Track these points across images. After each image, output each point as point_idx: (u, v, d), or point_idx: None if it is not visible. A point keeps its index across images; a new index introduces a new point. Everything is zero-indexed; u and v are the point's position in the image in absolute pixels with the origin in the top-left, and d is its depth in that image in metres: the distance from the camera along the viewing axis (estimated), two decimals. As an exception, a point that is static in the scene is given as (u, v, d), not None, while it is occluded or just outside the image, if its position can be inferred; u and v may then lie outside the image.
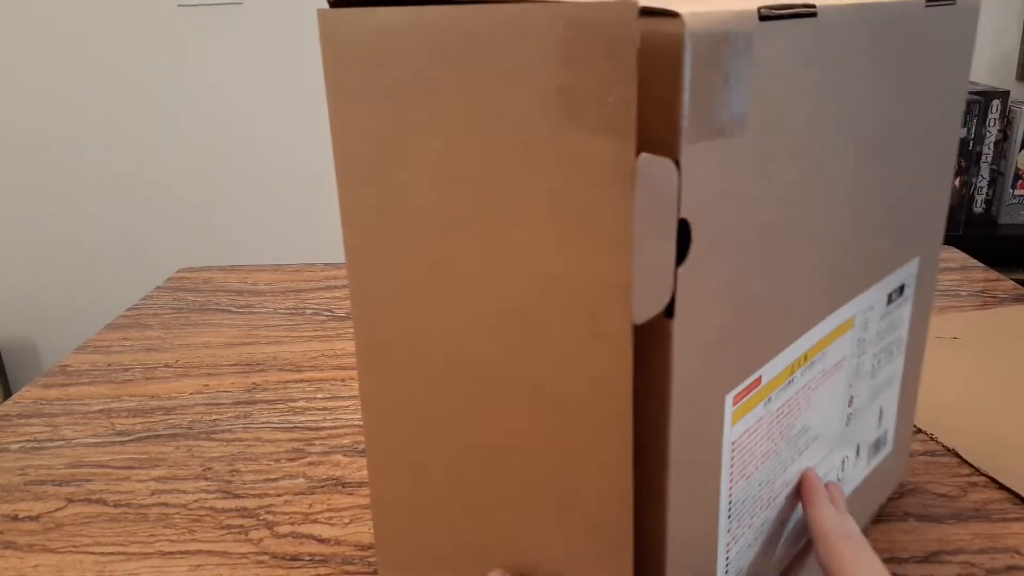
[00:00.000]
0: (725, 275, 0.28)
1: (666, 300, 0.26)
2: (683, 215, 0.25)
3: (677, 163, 0.24)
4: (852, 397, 0.41)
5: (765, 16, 0.26)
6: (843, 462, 0.42)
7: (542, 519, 0.31)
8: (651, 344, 0.27)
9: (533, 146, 0.26)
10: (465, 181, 0.28)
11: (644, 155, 0.23)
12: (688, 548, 0.30)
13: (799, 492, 0.38)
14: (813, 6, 0.28)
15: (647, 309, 0.25)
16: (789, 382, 0.34)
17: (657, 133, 0.24)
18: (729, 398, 0.30)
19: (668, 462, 0.28)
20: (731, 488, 0.32)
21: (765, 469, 0.34)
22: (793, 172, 0.30)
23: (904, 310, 0.44)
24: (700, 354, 0.28)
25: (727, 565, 0.34)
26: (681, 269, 0.26)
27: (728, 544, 0.33)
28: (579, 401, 0.28)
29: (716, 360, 0.29)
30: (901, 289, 0.43)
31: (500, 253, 0.28)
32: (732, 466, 0.32)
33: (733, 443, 0.31)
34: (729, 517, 0.33)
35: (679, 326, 0.26)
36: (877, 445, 0.46)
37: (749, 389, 0.32)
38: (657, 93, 0.24)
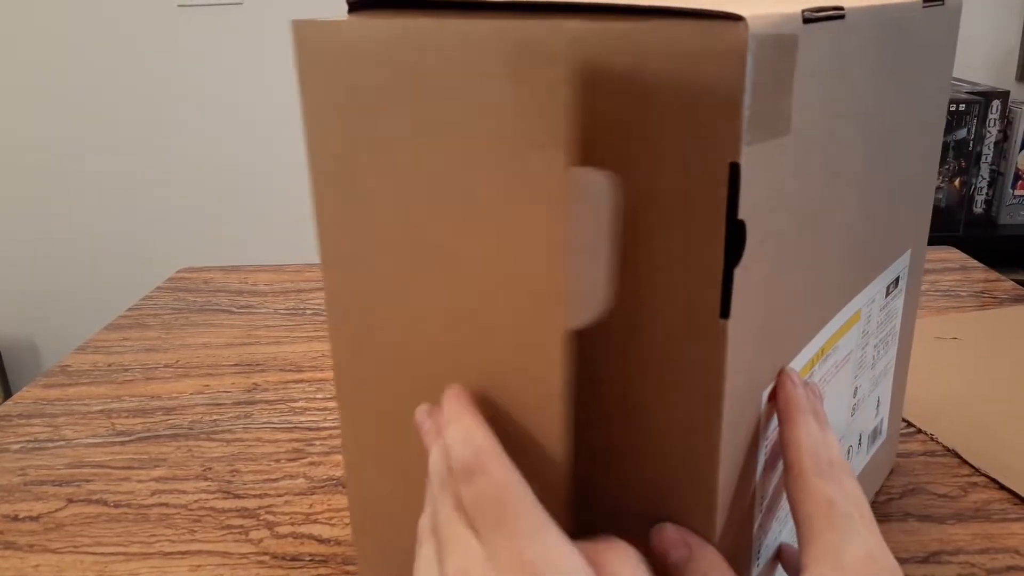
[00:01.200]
0: (766, 273, 0.29)
1: (601, 308, 0.27)
2: (740, 216, 0.25)
3: (737, 165, 0.25)
4: (856, 388, 0.42)
5: (808, 19, 0.27)
6: (848, 452, 0.43)
7: None
8: (703, 345, 0.27)
9: (478, 158, 0.27)
10: (418, 191, 0.29)
11: (578, 168, 0.24)
12: (730, 545, 0.31)
13: (774, 399, 0.32)
14: (842, 8, 0.29)
15: (582, 316, 0.26)
16: (809, 377, 0.35)
17: (717, 135, 0.25)
18: (764, 395, 0.31)
19: (718, 463, 0.28)
20: (764, 482, 0.33)
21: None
22: (819, 170, 0.31)
23: (899, 301, 0.45)
24: (746, 353, 0.28)
25: (759, 554, 0.34)
26: (736, 270, 0.26)
27: (758, 536, 0.34)
28: (521, 404, 0.28)
29: (757, 358, 0.30)
30: (896, 281, 0.44)
31: (452, 260, 0.29)
32: (765, 462, 0.32)
33: (767, 439, 0.32)
34: (761, 511, 0.33)
35: (732, 326, 0.27)
36: (875, 434, 0.47)
37: None
38: (719, 95, 0.24)
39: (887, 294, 0.43)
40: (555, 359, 0.26)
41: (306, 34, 0.31)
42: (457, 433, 0.27)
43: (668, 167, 0.26)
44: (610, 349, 0.29)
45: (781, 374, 0.32)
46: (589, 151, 0.27)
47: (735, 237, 0.26)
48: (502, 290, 0.27)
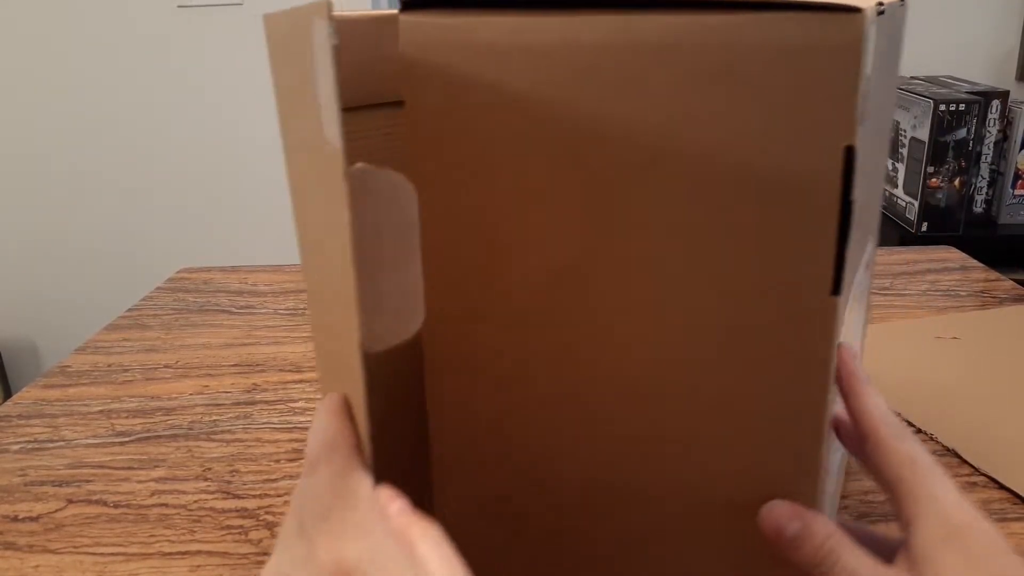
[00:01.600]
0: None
1: (413, 325, 0.27)
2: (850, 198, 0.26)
3: (852, 148, 0.26)
4: None
5: (879, 12, 0.28)
6: None
7: None
8: (814, 323, 0.28)
9: (327, 152, 0.27)
10: (310, 187, 0.30)
11: (359, 165, 0.24)
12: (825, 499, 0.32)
13: (837, 375, 0.32)
14: (884, 3, 0.30)
15: (384, 336, 0.26)
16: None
17: (831, 120, 0.26)
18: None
19: (823, 440, 0.29)
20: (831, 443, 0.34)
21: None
22: (864, 159, 0.32)
23: (866, 285, 0.47)
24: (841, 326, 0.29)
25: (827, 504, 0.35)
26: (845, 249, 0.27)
27: (821, 506, 0.35)
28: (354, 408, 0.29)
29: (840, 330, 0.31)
30: (867, 265, 0.45)
31: (325, 261, 0.29)
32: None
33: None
34: (829, 484, 0.34)
35: (841, 303, 0.28)
36: None
37: None
38: (835, 82, 0.25)
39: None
40: (357, 365, 0.25)
41: (272, 26, 0.32)
42: (310, 432, 0.27)
43: (775, 155, 0.26)
44: (705, 340, 0.29)
45: (841, 348, 0.33)
46: (679, 144, 0.27)
47: (846, 216, 0.27)
48: (337, 294, 0.27)
